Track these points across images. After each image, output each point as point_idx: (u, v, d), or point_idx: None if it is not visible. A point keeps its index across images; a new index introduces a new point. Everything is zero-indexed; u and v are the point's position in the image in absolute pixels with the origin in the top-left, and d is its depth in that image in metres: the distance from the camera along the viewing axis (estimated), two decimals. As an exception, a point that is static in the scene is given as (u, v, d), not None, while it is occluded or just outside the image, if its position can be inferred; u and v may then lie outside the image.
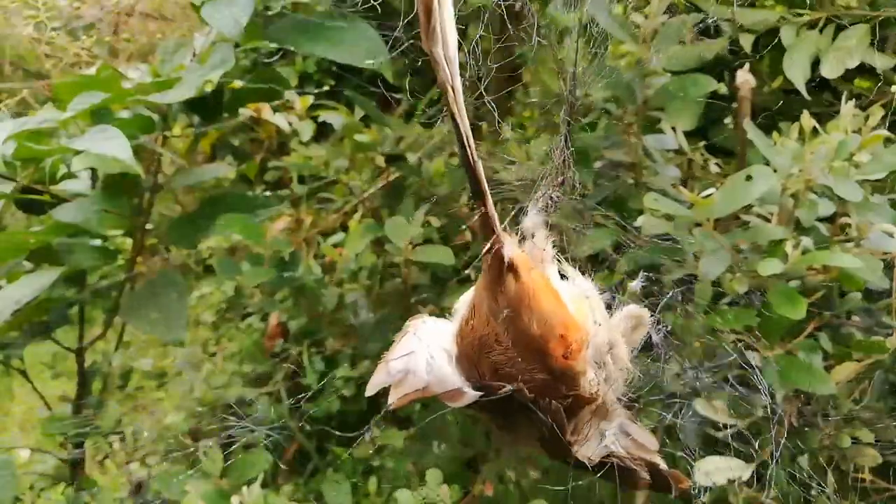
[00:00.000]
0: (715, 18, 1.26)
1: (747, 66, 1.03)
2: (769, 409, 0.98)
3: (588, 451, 0.31)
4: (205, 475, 1.13)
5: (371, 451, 1.55)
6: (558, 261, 0.34)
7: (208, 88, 1.17)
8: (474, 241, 1.34)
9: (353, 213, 1.69)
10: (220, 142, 1.76)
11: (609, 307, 0.36)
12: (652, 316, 0.36)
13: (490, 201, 0.31)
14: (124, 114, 1.18)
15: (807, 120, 0.95)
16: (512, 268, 0.30)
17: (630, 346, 0.33)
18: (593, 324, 0.30)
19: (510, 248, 0.30)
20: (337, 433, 1.03)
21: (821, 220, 0.99)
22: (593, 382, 0.30)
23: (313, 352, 1.58)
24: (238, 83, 1.24)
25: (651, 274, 0.39)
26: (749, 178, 0.86)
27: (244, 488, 1.09)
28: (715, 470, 0.93)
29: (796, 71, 1.20)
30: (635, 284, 0.37)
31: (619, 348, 0.31)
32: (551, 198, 0.36)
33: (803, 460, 1.02)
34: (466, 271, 1.36)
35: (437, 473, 0.96)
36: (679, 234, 0.89)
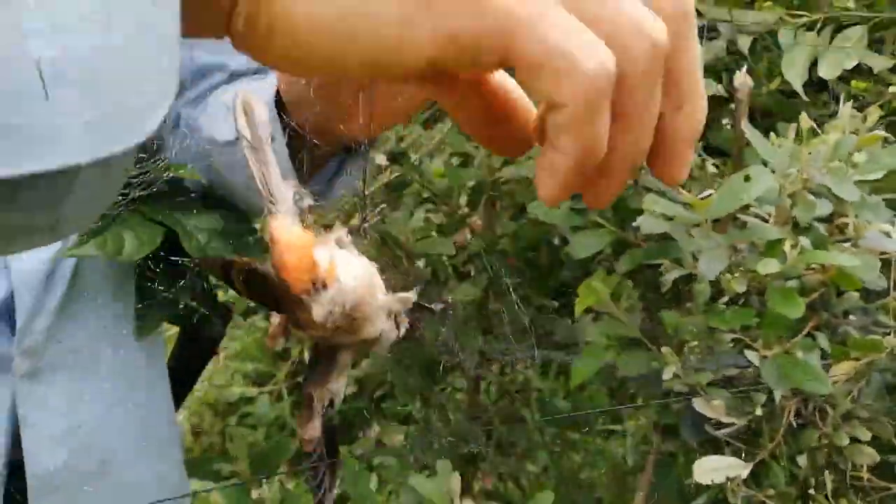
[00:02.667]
0: (713, 20, 1.27)
1: (745, 67, 1.03)
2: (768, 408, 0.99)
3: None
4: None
5: (372, 448, 1.56)
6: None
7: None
8: (474, 238, 1.34)
9: (353, 211, 1.70)
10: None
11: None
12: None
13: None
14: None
15: (804, 120, 0.96)
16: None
17: (389, 311, 0.41)
18: (342, 284, 0.38)
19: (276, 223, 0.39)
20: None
21: (818, 219, 0.99)
22: (321, 316, 0.37)
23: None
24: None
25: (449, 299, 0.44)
26: (747, 178, 0.87)
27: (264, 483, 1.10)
28: (713, 469, 0.94)
29: (794, 72, 1.21)
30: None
31: (364, 305, 0.39)
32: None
33: (801, 459, 1.02)
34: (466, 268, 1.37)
35: (447, 464, 0.98)
36: (678, 234, 0.90)
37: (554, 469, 1.63)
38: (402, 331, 0.42)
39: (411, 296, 0.41)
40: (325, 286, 0.38)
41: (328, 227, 0.40)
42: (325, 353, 0.42)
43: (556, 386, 1.59)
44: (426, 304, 0.43)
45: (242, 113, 0.42)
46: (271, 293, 0.39)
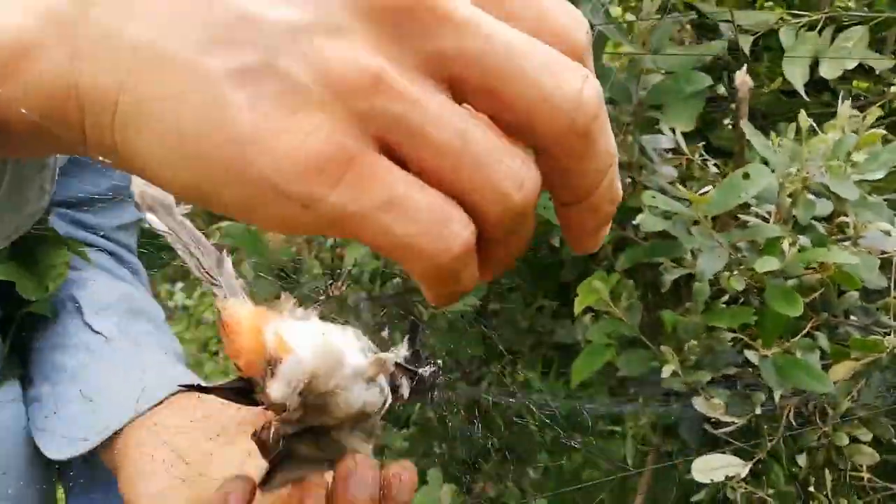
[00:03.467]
0: (713, 20, 1.27)
1: (745, 67, 1.03)
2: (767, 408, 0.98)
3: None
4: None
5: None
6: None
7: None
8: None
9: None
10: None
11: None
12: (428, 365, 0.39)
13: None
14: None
15: (804, 120, 0.96)
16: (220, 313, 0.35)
17: (367, 377, 0.36)
18: (295, 355, 0.33)
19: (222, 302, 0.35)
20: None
21: (818, 219, 0.99)
22: (280, 394, 0.33)
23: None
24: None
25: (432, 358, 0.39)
26: (746, 176, 0.87)
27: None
28: (713, 467, 0.93)
29: (795, 72, 1.21)
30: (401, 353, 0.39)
31: (328, 377, 0.34)
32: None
33: (801, 458, 1.02)
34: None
35: (438, 474, 0.97)
36: (677, 231, 0.90)
37: (554, 470, 1.62)
38: (402, 392, 0.38)
39: (390, 356, 0.37)
40: (276, 362, 0.33)
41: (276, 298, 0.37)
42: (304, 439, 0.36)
43: (557, 386, 1.59)
44: (410, 367, 0.38)
45: (147, 209, 0.37)
46: (244, 388, 0.36)
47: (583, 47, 0.26)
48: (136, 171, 0.26)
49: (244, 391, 0.36)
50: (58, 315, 0.57)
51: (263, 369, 0.34)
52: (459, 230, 0.24)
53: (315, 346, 0.34)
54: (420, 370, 0.38)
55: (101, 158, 0.26)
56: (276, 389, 0.33)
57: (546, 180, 0.26)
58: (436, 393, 0.39)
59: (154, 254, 0.76)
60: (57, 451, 0.53)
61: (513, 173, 0.25)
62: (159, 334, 0.61)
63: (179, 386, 0.42)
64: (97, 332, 0.57)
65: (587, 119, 0.25)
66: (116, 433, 0.52)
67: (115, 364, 0.55)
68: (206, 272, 0.37)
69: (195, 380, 0.52)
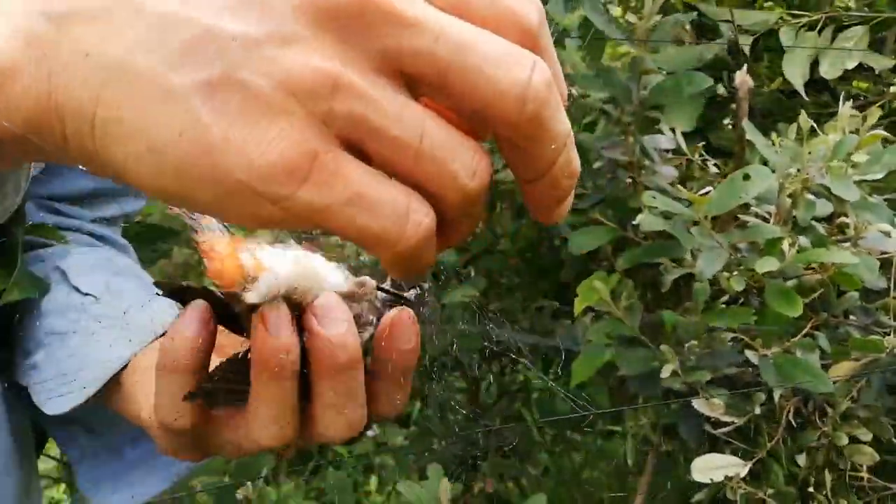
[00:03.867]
0: (714, 20, 1.27)
1: (745, 66, 1.03)
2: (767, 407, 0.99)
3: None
4: (209, 471, 1.14)
5: (372, 449, 1.56)
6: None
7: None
8: (474, 240, 1.34)
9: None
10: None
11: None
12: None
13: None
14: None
15: (804, 120, 0.96)
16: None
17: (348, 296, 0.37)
18: (271, 271, 0.34)
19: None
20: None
21: (819, 219, 0.99)
22: (256, 299, 0.34)
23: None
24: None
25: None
26: (746, 176, 0.87)
27: (248, 484, 1.10)
28: (712, 467, 0.94)
29: (795, 72, 1.21)
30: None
31: (306, 290, 0.35)
32: None
33: (801, 458, 1.02)
34: (466, 269, 1.36)
35: (438, 468, 0.97)
36: (677, 231, 0.90)
37: (554, 469, 1.63)
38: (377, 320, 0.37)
39: (370, 280, 0.37)
40: (254, 279, 0.34)
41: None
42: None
43: (556, 386, 1.59)
44: (396, 291, 0.38)
45: None
46: (225, 312, 0.37)
47: (534, 30, 0.27)
48: (116, 175, 0.28)
49: (227, 307, 0.36)
50: (46, 290, 0.57)
51: (242, 286, 0.34)
52: (420, 218, 0.27)
53: (293, 265, 0.35)
54: (405, 294, 0.39)
55: (81, 166, 0.29)
56: (252, 297, 0.34)
57: (507, 160, 0.29)
58: (424, 309, 0.39)
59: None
60: (58, 405, 0.52)
61: (467, 163, 0.27)
62: (148, 289, 0.60)
63: (157, 293, 0.41)
64: (86, 294, 0.56)
65: (536, 105, 0.26)
66: (120, 372, 0.51)
67: (108, 316, 0.55)
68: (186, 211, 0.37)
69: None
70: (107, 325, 0.54)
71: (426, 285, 0.39)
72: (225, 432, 0.39)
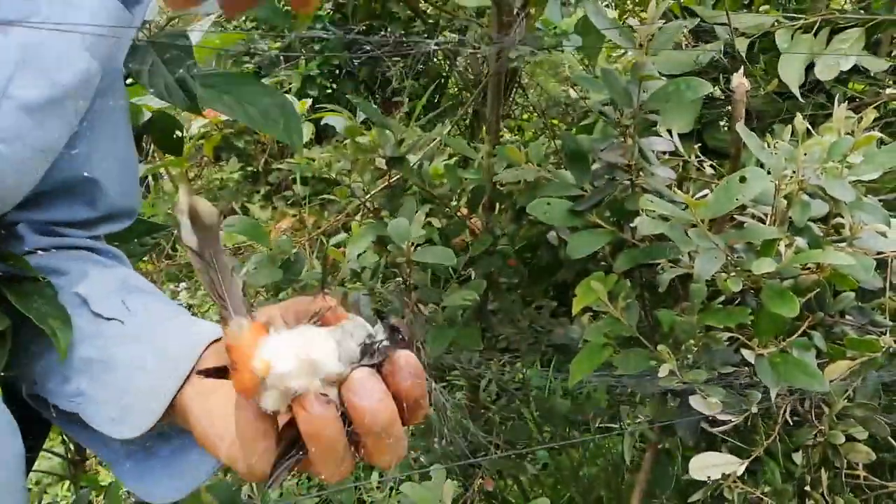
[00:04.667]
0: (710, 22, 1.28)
1: (742, 69, 1.04)
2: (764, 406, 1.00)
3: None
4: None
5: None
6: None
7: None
8: (474, 241, 1.35)
9: (355, 214, 1.71)
10: (225, 143, 1.78)
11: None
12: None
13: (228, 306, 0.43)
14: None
15: (799, 122, 0.97)
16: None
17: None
18: (275, 371, 0.42)
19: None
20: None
21: (815, 220, 1.00)
22: (269, 407, 0.43)
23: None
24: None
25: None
26: (742, 179, 0.88)
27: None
28: (709, 465, 0.95)
29: (791, 74, 1.22)
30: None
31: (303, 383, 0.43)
32: None
33: (797, 457, 1.03)
34: (466, 271, 1.37)
35: (442, 471, 0.98)
36: (675, 234, 0.91)
37: (553, 467, 1.64)
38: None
39: (349, 372, 0.42)
40: (262, 380, 0.41)
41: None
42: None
43: (556, 386, 1.60)
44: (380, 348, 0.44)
45: (187, 216, 0.40)
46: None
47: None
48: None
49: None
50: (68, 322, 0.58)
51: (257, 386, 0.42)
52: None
53: (294, 360, 0.42)
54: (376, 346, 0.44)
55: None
56: (265, 402, 0.42)
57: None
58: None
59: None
60: (130, 430, 0.55)
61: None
62: (162, 302, 0.63)
63: (198, 373, 0.53)
64: (110, 319, 0.58)
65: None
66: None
67: (137, 337, 0.57)
68: (217, 291, 0.42)
69: (217, 332, 0.56)
70: (149, 352, 0.57)
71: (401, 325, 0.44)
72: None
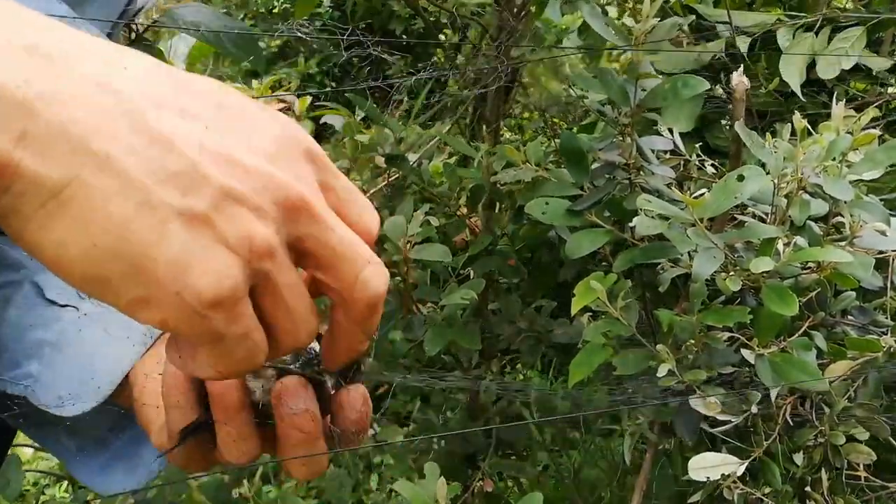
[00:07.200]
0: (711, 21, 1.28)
1: (742, 67, 1.04)
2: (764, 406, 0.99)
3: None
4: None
5: (371, 448, 1.56)
6: None
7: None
8: (473, 240, 1.35)
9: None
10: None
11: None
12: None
13: None
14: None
15: (798, 121, 0.96)
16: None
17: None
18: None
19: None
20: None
21: (815, 219, 1.00)
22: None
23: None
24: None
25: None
26: (741, 178, 0.88)
27: (245, 482, 1.10)
28: (709, 466, 0.94)
29: (792, 72, 1.21)
30: None
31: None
32: None
33: (798, 457, 1.03)
34: (466, 270, 1.37)
35: (435, 467, 0.97)
36: (673, 234, 0.90)
37: (553, 468, 1.63)
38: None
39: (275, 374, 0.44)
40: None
41: None
42: None
43: (555, 385, 1.60)
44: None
45: None
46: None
47: (374, 237, 0.39)
48: (37, 252, 0.31)
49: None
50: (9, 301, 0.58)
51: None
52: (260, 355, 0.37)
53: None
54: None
55: None
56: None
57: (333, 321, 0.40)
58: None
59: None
60: (73, 409, 0.55)
61: (311, 326, 0.38)
62: None
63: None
64: (64, 306, 0.58)
65: (364, 295, 0.38)
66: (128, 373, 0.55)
67: (93, 320, 0.57)
68: None
69: None
70: (103, 328, 0.56)
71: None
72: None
